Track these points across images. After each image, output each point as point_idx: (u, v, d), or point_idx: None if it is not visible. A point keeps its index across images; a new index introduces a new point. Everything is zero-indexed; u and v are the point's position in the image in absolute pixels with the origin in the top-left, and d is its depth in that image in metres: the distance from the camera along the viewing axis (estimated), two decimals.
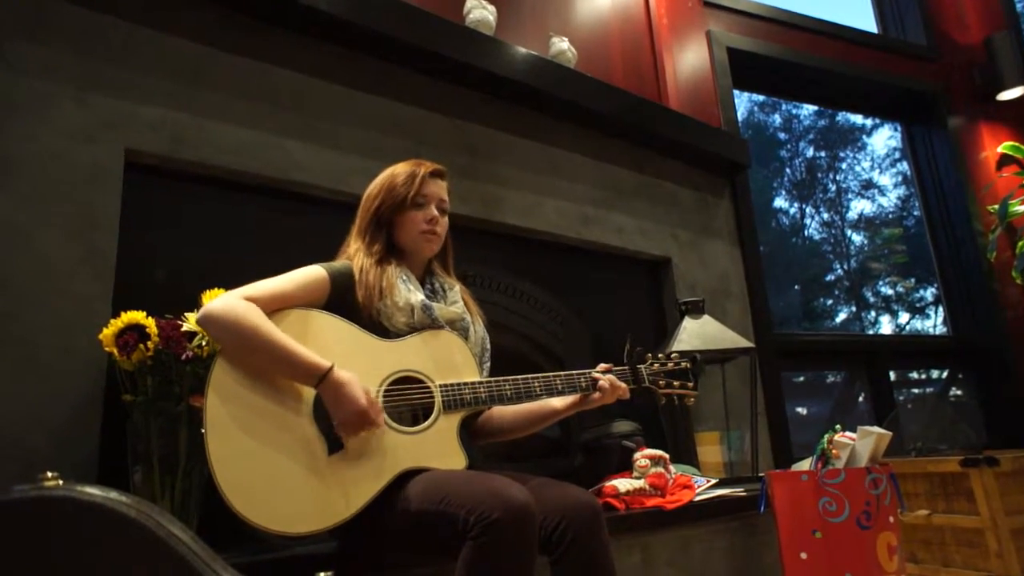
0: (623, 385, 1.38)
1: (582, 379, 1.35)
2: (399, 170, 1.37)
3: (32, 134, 1.35)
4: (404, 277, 1.31)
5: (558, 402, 1.39)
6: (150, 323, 1.23)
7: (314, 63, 1.82)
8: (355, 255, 1.32)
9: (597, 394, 1.35)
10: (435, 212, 1.36)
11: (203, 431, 1.06)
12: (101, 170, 1.42)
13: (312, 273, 1.24)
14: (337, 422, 1.11)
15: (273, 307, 1.16)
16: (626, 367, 1.42)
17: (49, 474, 0.67)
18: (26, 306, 1.28)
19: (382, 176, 1.39)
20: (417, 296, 1.29)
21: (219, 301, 1.13)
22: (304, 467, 1.09)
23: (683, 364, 1.46)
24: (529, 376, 1.32)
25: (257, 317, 1.11)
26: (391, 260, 1.33)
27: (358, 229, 1.37)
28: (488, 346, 1.43)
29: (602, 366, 1.41)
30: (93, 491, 0.66)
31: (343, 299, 1.26)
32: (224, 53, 1.66)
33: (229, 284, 1.19)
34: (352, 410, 1.09)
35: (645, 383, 1.43)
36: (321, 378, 1.10)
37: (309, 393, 1.14)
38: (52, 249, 1.33)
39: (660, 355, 1.48)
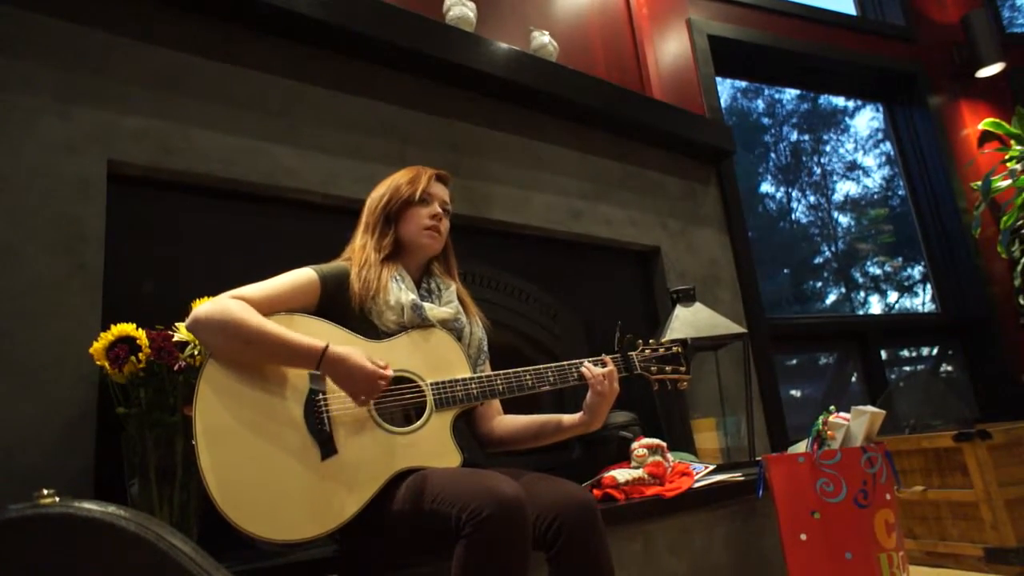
0: (600, 371, 1.33)
1: (574, 370, 1.35)
2: (403, 172, 1.43)
3: (15, 149, 1.34)
4: (398, 276, 1.32)
5: (569, 418, 1.37)
6: (141, 335, 1.22)
7: (297, 67, 1.81)
8: (360, 250, 1.33)
9: (598, 397, 1.32)
10: (439, 210, 1.39)
11: (193, 442, 1.05)
12: (86, 182, 1.40)
13: (302, 275, 1.25)
14: (351, 394, 1.12)
15: (263, 309, 1.16)
16: (617, 355, 1.43)
17: (45, 491, 0.67)
18: (15, 321, 1.27)
19: (387, 180, 1.43)
20: (408, 295, 1.29)
21: (207, 304, 1.13)
22: (298, 474, 1.09)
23: (674, 349, 1.46)
24: (520, 369, 1.31)
25: (247, 311, 1.12)
26: (393, 258, 1.35)
27: (365, 226, 1.39)
28: (486, 348, 1.43)
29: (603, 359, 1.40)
30: (91, 506, 0.66)
31: (334, 300, 1.26)
32: (206, 60, 1.65)
33: (220, 292, 1.18)
34: (362, 377, 1.10)
35: (637, 370, 1.42)
36: (320, 357, 1.10)
37: (299, 399, 1.14)
38: (40, 263, 1.32)
39: (651, 341, 1.48)
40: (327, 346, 1.11)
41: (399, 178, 1.41)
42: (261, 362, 1.13)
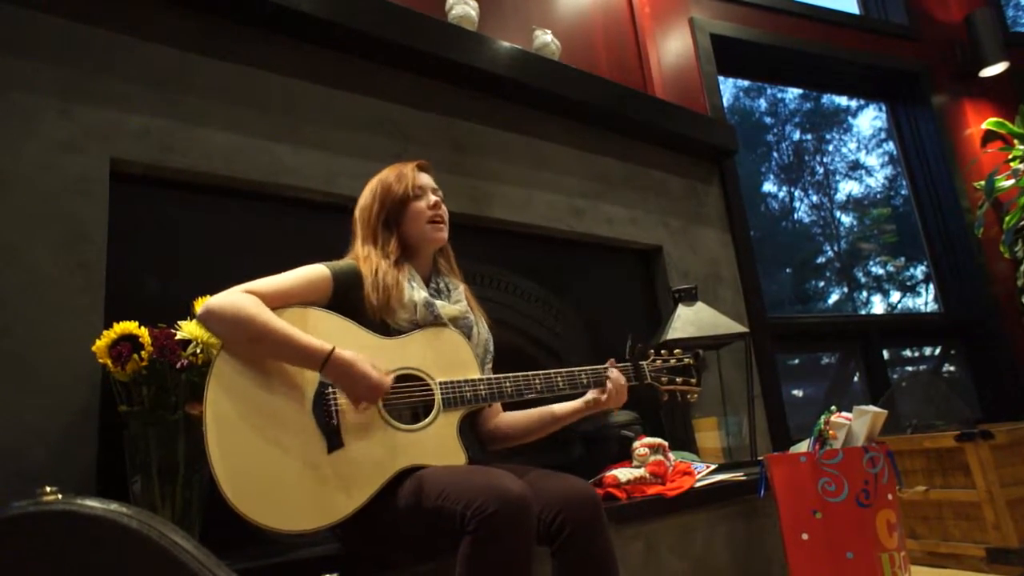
0: (616, 385, 1.36)
1: (583, 375, 1.35)
2: (386, 174, 1.40)
3: (17, 147, 1.34)
4: (409, 276, 1.32)
5: (561, 408, 1.38)
6: (143, 333, 1.22)
7: (299, 65, 1.81)
8: (365, 260, 1.31)
9: (604, 396, 1.34)
10: (435, 198, 1.38)
11: (203, 429, 1.06)
12: (88, 181, 1.41)
13: (315, 271, 1.25)
14: (353, 398, 1.12)
15: (275, 303, 1.16)
16: (628, 363, 1.42)
17: (48, 488, 0.67)
18: (17, 320, 1.27)
19: (370, 186, 1.41)
20: (421, 293, 1.29)
21: (220, 295, 1.13)
22: (304, 465, 1.09)
23: (686, 360, 1.46)
24: (530, 373, 1.32)
25: (258, 307, 1.12)
26: (402, 261, 1.34)
27: (363, 238, 1.36)
28: (491, 348, 1.43)
29: (610, 362, 1.40)
30: (93, 503, 0.66)
31: (346, 297, 1.26)
32: (208, 59, 1.65)
33: (221, 290, 1.18)
34: (366, 384, 1.11)
35: (647, 380, 1.43)
36: (325, 360, 1.10)
37: (309, 391, 1.14)
38: (42, 262, 1.32)
39: (663, 351, 1.48)
40: (332, 350, 1.11)
41: (385, 179, 1.38)
42: (268, 359, 1.14)
